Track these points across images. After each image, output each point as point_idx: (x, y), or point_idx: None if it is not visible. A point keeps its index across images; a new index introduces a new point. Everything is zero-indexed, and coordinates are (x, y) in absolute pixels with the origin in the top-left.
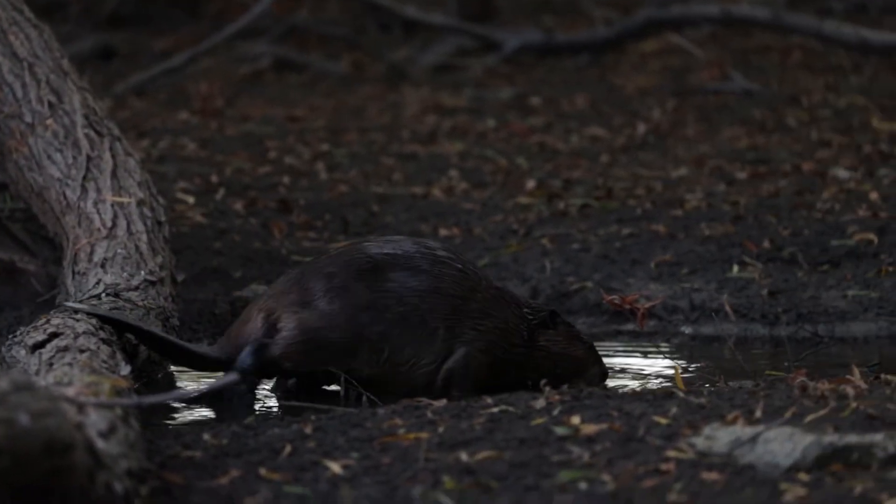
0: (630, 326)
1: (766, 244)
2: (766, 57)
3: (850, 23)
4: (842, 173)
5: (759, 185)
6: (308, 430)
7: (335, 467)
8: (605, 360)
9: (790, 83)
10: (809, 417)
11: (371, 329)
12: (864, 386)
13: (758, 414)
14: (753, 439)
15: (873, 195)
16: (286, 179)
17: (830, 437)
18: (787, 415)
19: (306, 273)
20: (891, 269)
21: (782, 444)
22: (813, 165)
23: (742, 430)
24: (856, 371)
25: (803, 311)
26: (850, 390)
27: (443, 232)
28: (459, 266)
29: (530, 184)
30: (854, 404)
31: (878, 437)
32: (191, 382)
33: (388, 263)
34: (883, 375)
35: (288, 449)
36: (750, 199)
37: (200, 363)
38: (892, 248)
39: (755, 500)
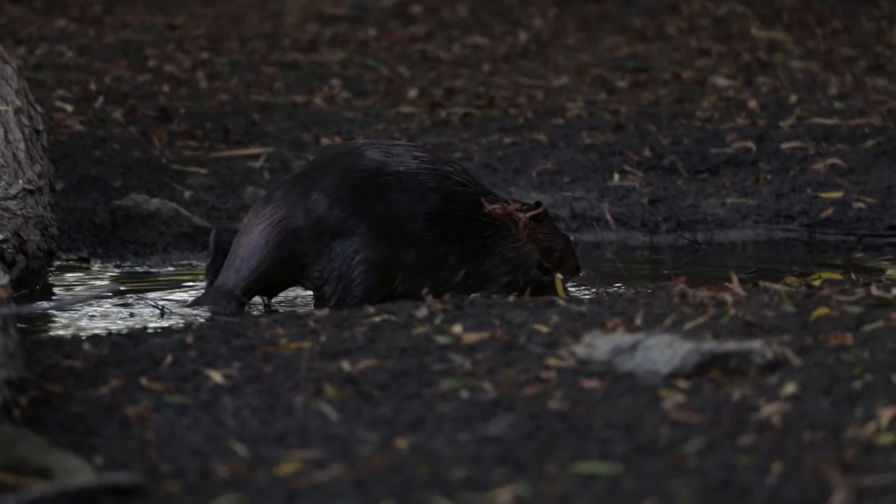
0: None
1: (647, 153)
2: None
3: None
4: (721, 81)
5: (640, 94)
6: (189, 339)
7: (217, 377)
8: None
9: None
10: (689, 325)
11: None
12: (742, 293)
13: (638, 322)
14: (633, 347)
15: (752, 103)
16: (166, 88)
17: (709, 345)
18: (667, 322)
19: (307, 196)
20: (769, 176)
21: (662, 352)
22: (692, 74)
23: (622, 338)
24: (734, 278)
25: (683, 219)
26: (728, 297)
27: (324, 141)
28: (463, 180)
29: (412, 93)
30: (732, 311)
31: (756, 344)
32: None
33: (393, 184)
34: (761, 282)
35: (169, 359)
36: (630, 108)
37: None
38: (771, 156)
39: (635, 407)
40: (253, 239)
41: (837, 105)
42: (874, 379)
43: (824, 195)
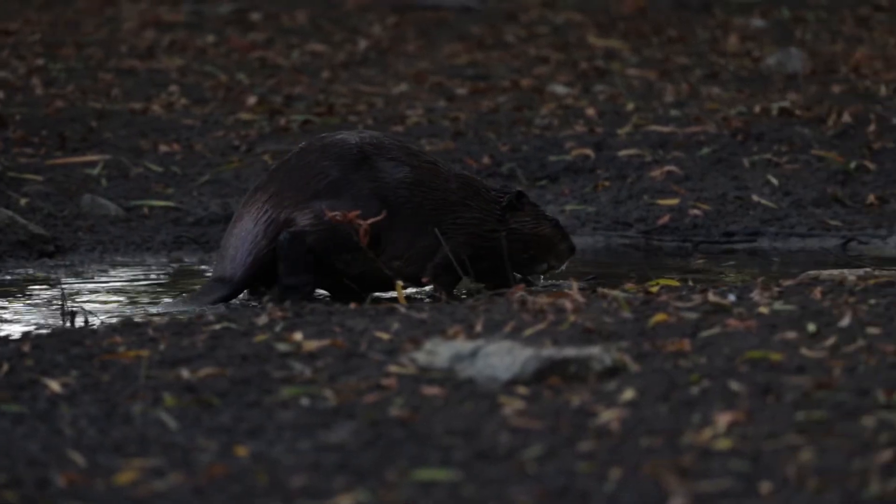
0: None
1: (486, 160)
2: None
3: None
4: (559, 89)
5: (479, 101)
6: (26, 348)
7: (54, 385)
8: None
9: None
10: (528, 331)
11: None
12: (581, 300)
13: (478, 328)
14: (473, 354)
15: (590, 111)
16: (0, 94)
17: (549, 351)
18: (507, 329)
19: (293, 173)
20: (607, 183)
21: (502, 358)
22: (531, 81)
23: (462, 345)
24: (574, 285)
25: None
26: (568, 304)
27: (163, 148)
28: (432, 159)
29: (251, 100)
30: (572, 318)
31: (595, 350)
32: None
33: (374, 154)
34: (599, 289)
35: (5, 367)
36: (470, 115)
37: (225, 300)
38: (609, 163)
39: (475, 414)
40: (244, 226)
41: (673, 113)
42: (711, 385)
43: (661, 202)
